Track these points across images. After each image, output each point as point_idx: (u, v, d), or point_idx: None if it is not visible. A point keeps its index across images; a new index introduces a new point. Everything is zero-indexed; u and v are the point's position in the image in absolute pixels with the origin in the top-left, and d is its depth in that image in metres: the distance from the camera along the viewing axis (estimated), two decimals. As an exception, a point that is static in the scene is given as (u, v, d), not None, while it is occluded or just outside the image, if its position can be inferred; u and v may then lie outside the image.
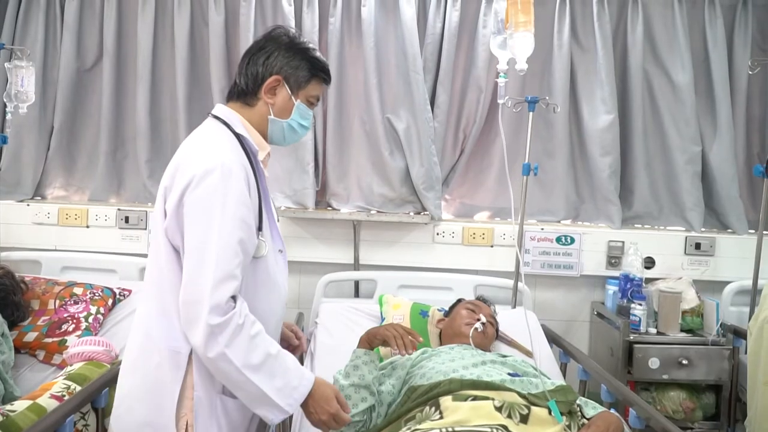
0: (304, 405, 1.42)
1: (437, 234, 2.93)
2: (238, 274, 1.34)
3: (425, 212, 2.89)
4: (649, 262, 2.90)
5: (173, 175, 1.40)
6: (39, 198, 3.02)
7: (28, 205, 2.95)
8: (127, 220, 2.91)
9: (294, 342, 1.73)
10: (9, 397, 1.92)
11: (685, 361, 2.56)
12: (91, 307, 2.41)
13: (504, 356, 2.02)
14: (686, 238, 2.94)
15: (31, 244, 2.90)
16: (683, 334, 2.65)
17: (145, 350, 1.42)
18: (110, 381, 1.82)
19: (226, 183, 1.35)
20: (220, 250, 1.32)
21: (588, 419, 1.68)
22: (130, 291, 2.58)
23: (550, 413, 1.59)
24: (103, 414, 1.84)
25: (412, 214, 2.91)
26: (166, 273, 1.39)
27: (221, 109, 1.55)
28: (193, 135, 1.52)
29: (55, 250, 2.90)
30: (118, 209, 2.93)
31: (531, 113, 2.62)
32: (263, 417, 1.38)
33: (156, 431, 1.38)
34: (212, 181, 1.35)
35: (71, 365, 2.02)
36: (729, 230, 2.98)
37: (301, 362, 2.04)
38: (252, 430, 1.55)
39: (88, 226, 2.93)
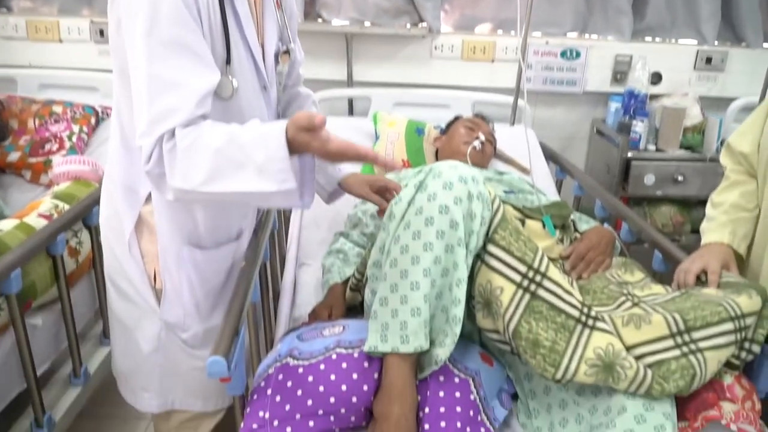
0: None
1: (435, 48, 2.76)
2: (180, 105, 1.07)
3: (423, 24, 2.69)
4: (656, 78, 2.77)
5: None
6: (4, 10, 2.78)
7: (-8, 17, 2.73)
8: (101, 33, 2.70)
9: (384, 206, 1.51)
10: (-1, 216, 1.91)
11: (680, 178, 2.55)
12: (73, 126, 2.33)
13: (501, 173, 1.99)
14: (697, 51, 2.79)
15: (3, 60, 2.73)
16: (682, 151, 2.61)
17: (110, 178, 1.33)
18: (100, 199, 1.79)
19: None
20: (151, 83, 1.06)
21: (581, 233, 1.68)
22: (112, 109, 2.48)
23: (544, 227, 1.58)
24: (96, 231, 1.82)
25: (408, 26, 2.71)
26: (120, 96, 1.22)
27: None
28: None
29: (30, 66, 2.73)
30: (92, 21, 2.71)
31: None
32: (292, 206, 1.14)
33: (120, 259, 1.34)
34: None
35: (58, 185, 1.99)
36: (743, 44, 2.81)
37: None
38: (230, 283, 1.42)
39: (61, 41, 2.74)
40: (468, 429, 1.10)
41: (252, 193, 1.06)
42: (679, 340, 1.13)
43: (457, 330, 1.12)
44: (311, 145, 1.04)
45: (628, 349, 1.14)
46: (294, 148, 1.05)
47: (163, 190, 1.11)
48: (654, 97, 2.72)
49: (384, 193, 1.59)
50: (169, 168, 1.07)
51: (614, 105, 2.75)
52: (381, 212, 1.58)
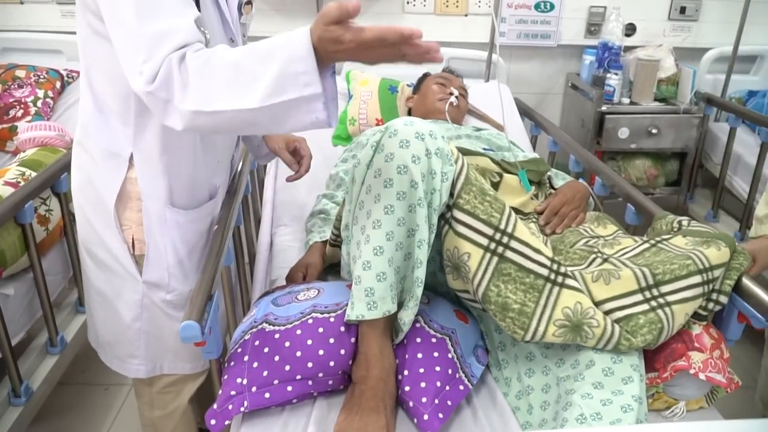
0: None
1: (407, 2, 2.70)
2: (173, 26, 1.00)
3: (394, -23, 2.63)
4: (630, 29, 2.76)
5: None
6: (-42, -31, 2.66)
7: (-56, -24, 2.60)
8: (63, -7, 2.60)
9: (294, 168, 1.55)
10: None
11: (654, 130, 2.56)
12: (37, 90, 2.26)
13: (478, 129, 1.98)
14: (672, 1, 2.77)
15: (-40, 24, 2.63)
16: (656, 104, 2.62)
17: (83, 146, 1.28)
18: (68, 165, 1.75)
19: None
20: (137, 7, 0.99)
21: (556, 189, 1.69)
22: (78, 72, 2.39)
23: (520, 182, 1.58)
24: (66, 199, 1.79)
25: (379, -21, 2.65)
26: (89, 59, 1.17)
27: None
28: None
29: (-11, 29, 2.63)
30: (52, -19, 2.61)
31: None
32: (313, 123, 0.98)
33: (97, 229, 1.30)
34: None
35: (24, 151, 1.94)
36: (718, -10, 2.80)
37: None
38: (210, 241, 1.41)
39: (22, 2, 2.63)
40: (447, 387, 1.11)
41: (273, 104, 0.95)
42: (647, 294, 1.15)
43: (419, 292, 1.12)
44: (344, 38, 0.89)
45: (598, 304, 1.15)
46: (321, 53, 0.92)
47: (168, 114, 1.01)
48: (628, 49, 2.70)
49: (296, 155, 1.58)
50: (181, 90, 0.98)
51: (588, 58, 2.73)
52: (289, 178, 1.59)
